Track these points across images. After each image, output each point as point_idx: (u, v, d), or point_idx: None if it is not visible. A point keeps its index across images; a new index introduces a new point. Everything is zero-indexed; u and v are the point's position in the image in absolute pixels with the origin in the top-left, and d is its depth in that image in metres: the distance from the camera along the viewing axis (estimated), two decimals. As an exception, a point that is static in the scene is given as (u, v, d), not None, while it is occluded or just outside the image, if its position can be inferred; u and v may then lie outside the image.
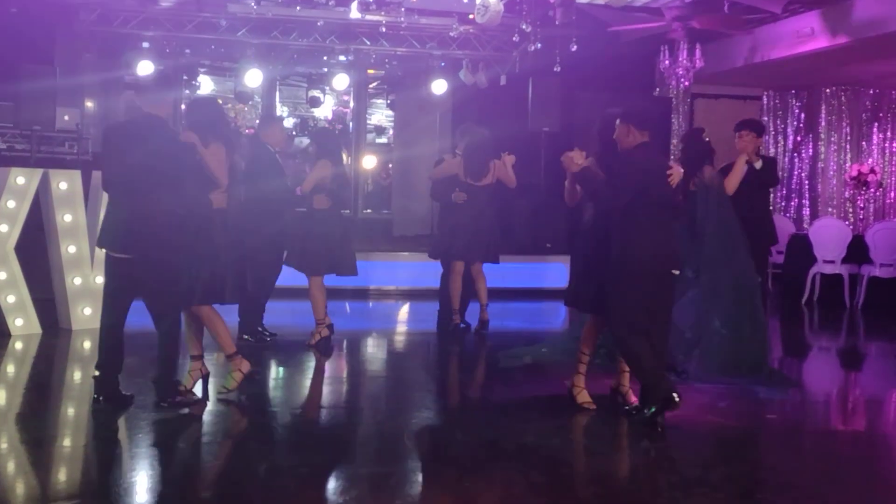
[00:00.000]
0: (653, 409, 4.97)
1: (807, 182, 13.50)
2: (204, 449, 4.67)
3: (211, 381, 5.53)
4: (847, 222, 12.36)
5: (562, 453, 4.80)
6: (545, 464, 4.59)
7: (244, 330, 7.21)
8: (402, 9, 10.69)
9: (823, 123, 13.30)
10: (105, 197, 7.49)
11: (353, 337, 7.69)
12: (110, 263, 5.09)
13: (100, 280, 7.57)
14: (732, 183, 6.50)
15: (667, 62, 10.32)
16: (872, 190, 12.56)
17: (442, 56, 12.22)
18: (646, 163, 5.03)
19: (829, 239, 10.44)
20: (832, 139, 13.32)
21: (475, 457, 4.58)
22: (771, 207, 7.18)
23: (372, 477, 4.23)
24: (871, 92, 13.34)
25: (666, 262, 5.05)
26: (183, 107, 12.21)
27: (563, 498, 4.09)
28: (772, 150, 13.76)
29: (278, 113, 13.87)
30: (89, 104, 11.42)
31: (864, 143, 13.44)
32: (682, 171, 6.20)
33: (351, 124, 14.36)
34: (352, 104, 14.43)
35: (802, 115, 13.63)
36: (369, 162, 14.04)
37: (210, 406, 5.33)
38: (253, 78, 12.01)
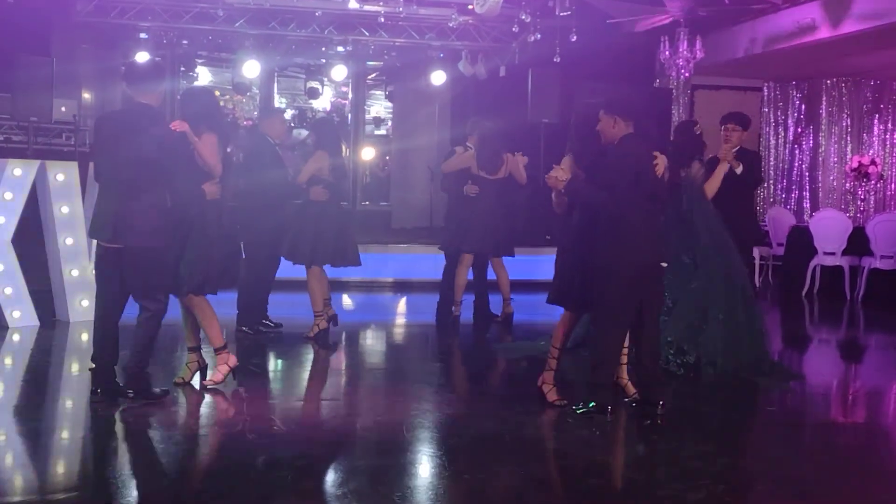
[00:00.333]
0: (583, 410, 4.98)
1: (807, 174, 13.48)
2: (202, 441, 4.65)
3: (179, 376, 5.48)
4: (847, 214, 12.33)
5: (562, 445, 4.78)
6: (545, 456, 4.58)
7: (242, 322, 7.19)
8: (401, -1, 10.66)
9: (824, 115, 13.27)
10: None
11: (351, 329, 7.66)
12: (101, 254, 5.08)
13: (97, 272, 7.57)
14: (712, 187, 6.38)
15: (667, 53, 10.28)
16: (873, 181, 12.53)
17: (441, 47, 12.18)
18: (636, 154, 4.96)
19: (829, 231, 10.41)
20: (833, 131, 13.28)
21: (474, 449, 4.56)
22: (756, 207, 7.15)
23: (370, 469, 4.21)
24: (872, 83, 13.30)
25: (655, 255, 5.02)
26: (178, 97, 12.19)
27: (563, 490, 4.07)
28: (772, 142, 13.74)
29: (276, 104, 13.84)
30: (86, 95, 11.39)
31: (864, 134, 13.41)
32: (667, 160, 6.20)
33: (349, 116, 14.33)
34: (350, 95, 14.40)
35: (803, 107, 13.60)
36: (367, 153, 14.03)
37: (207, 398, 5.31)
38: (251, 69, 11.98)
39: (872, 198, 13.22)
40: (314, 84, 13.37)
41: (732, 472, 4.39)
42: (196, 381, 5.42)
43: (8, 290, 7.15)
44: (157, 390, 5.14)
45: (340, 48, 12.36)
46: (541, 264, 10.57)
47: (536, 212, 11.29)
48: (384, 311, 9.53)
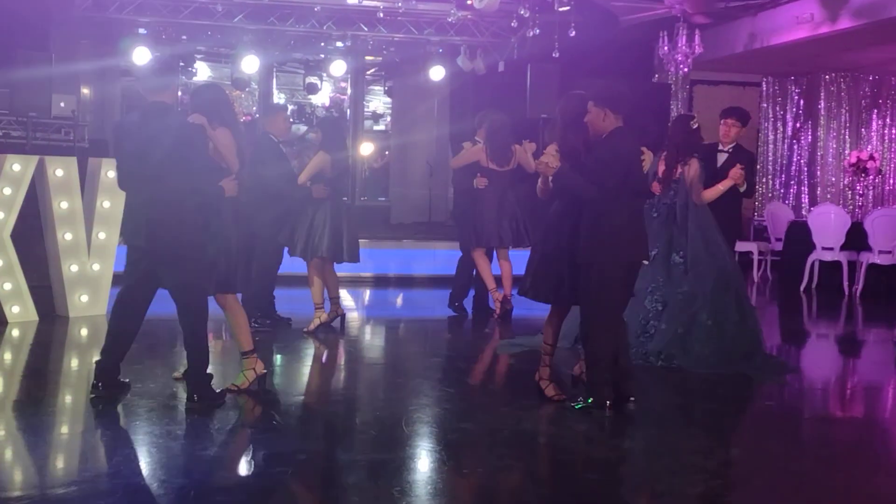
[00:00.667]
0: (582, 406, 4.99)
1: (806, 169, 13.49)
2: (201, 436, 4.65)
3: (222, 376, 5.42)
4: (846, 209, 12.34)
5: (560, 440, 4.79)
6: (543, 451, 4.59)
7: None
8: (400, -6, 10.65)
9: (823, 110, 13.27)
10: (101, 185, 7.53)
11: (351, 324, 7.67)
12: (135, 257, 5.00)
13: (96, 267, 7.57)
14: (708, 197, 6.32)
15: (666, 48, 10.29)
16: (871, 177, 12.54)
17: (440, 42, 12.17)
18: (626, 148, 4.92)
19: (827, 226, 10.42)
20: (831, 126, 13.29)
21: (473, 444, 4.57)
22: (742, 210, 7.20)
23: (369, 464, 4.22)
24: (871, 78, 13.31)
25: (636, 252, 5.02)
26: (179, 93, 12.17)
27: (562, 485, 4.08)
28: (770, 137, 13.75)
29: (275, 100, 13.83)
30: (85, 91, 11.38)
31: (863, 129, 13.42)
32: (663, 156, 6.18)
33: (348, 111, 14.33)
34: (349, 91, 14.39)
35: (802, 102, 13.61)
36: (366, 149, 14.03)
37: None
38: (250, 64, 11.97)
39: (871, 193, 13.24)
40: (313, 79, 13.36)
41: (730, 466, 4.40)
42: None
43: (7, 286, 7.16)
44: (124, 380, 5.11)
45: (339, 43, 12.35)
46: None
47: (535, 206, 11.30)
48: (383, 307, 9.53)
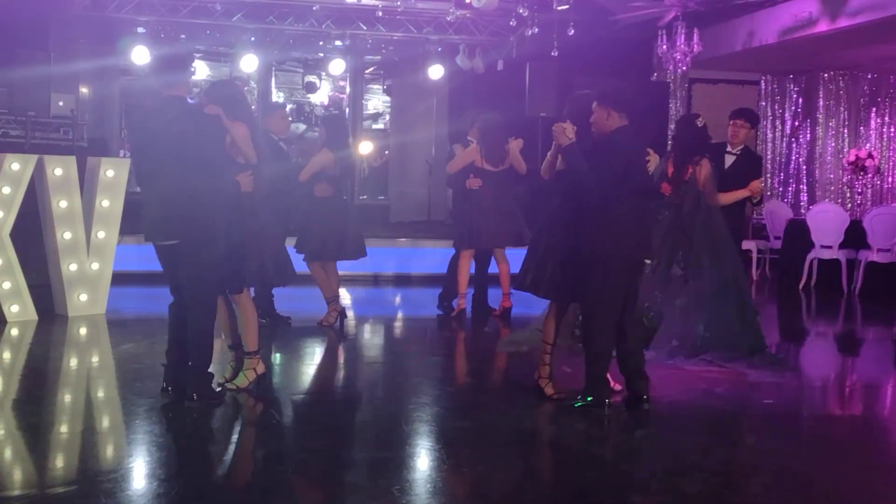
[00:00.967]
0: (581, 404, 5.00)
1: (804, 167, 13.49)
2: (201, 435, 4.66)
3: (221, 375, 5.42)
4: (845, 207, 12.35)
5: (559, 438, 4.80)
6: (543, 449, 4.59)
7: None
8: (399, -7, 10.65)
9: (821, 108, 13.28)
10: (100, 184, 7.53)
11: (350, 323, 7.67)
12: (159, 254, 4.99)
13: (95, 266, 7.58)
14: (724, 200, 6.27)
15: (664, 47, 10.28)
16: (870, 175, 12.54)
17: (439, 41, 12.17)
18: (628, 147, 4.94)
19: (826, 224, 10.42)
20: (830, 124, 13.30)
21: (473, 442, 4.58)
22: (745, 213, 7.14)
23: (369, 462, 4.23)
24: (870, 76, 13.31)
25: (640, 251, 5.02)
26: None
27: (561, 482, 4.09)
28: (769, 135, 13.75)
29: (274, 98, 13.82)
30: (84, 90, 11.37)
31: (861, 127, 13.42)
32: (670, 156, 6.17)
33: (347, 110, 14.32)
34: (348, 89, 14.38)
35: (800, 100, 13.61)
36: (365, 147, 14.02)
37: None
38: (248, 63, 11.96)
39: (869, 191, 13.24)
40: (312, 78, 13.36)
41: (729, 464, 4.41)
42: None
43: (6, 285, 7.16)
44: (216, 388, 5.06)
45: (338, 42, 12.35)
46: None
47: (534, 205, 11.30)
48: (383, 305, 9.53)
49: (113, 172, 7.60)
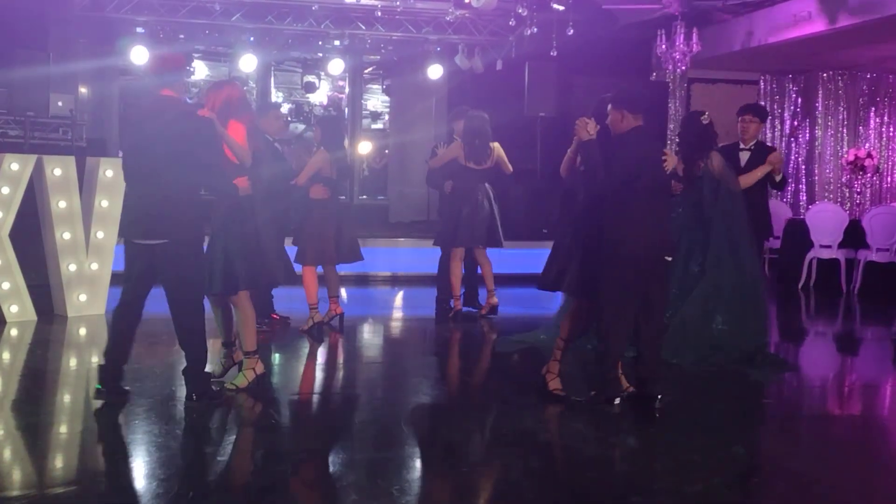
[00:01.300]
0: (594, 396, 5.05)
1: (804, 167, 13.50)
2: (200, 435, 4.65)
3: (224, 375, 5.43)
4: (844, 207, 12.35)
5: (559, 439, 4.80)
6: (543, 449, 4.59)
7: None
8: (398, -8, 10.65)
9: (820, 108, 13.28)
10: (99, 184, 7.53)
11: (349, 323, 7.66)
12: (133, 252, 4.95)
13: (95, 266, 7.57)
14: (747, 182, 6.34)
15: (664, 46, 10.28)
16: (869, 174, 12.55)
17: (438, 41, 12.17)
18: (640, 148, 4.99)
19: (825, 224, 10.43)
20: (829, 124, 13.30)
21: (473, 442, 4.58)
22: (769, 199, 7.03)
23: (368, 463, 4.22)
24: (869, 76, 13.32)
25: (659, 249, 5.03)
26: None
27: (561, 483, 4.09)
28: (769, 135, 13.75)
29: (273, 98, 13.82)
30: (83, 90, 11.36)
31: (861, 127, 13.43)
32: (676, 157, 6.18)
33: (346, 110, 14.32)
34: (347, 89, 14.38)
35: (799, 100, 13.61)
36: (364, 147, 14.02)
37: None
38: (247, 63, 11.96)
39: (868, 191, 13.25)
40: (311, 78, 13.35)
41: (729, 464, 4.41)
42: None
43: (5, 285, 7.15)
44: (125, 388, 5.04)
45: (337, 42, 12.34)
46: (538, 258, 10.59)
47: (533, 205, 11.31)
48: (382, 305, 9.54)
49: (112, 172, 7.60)
